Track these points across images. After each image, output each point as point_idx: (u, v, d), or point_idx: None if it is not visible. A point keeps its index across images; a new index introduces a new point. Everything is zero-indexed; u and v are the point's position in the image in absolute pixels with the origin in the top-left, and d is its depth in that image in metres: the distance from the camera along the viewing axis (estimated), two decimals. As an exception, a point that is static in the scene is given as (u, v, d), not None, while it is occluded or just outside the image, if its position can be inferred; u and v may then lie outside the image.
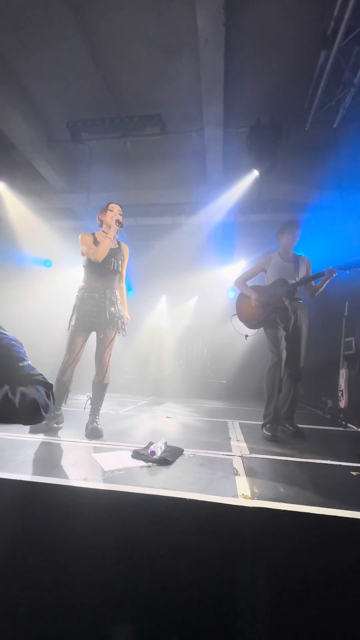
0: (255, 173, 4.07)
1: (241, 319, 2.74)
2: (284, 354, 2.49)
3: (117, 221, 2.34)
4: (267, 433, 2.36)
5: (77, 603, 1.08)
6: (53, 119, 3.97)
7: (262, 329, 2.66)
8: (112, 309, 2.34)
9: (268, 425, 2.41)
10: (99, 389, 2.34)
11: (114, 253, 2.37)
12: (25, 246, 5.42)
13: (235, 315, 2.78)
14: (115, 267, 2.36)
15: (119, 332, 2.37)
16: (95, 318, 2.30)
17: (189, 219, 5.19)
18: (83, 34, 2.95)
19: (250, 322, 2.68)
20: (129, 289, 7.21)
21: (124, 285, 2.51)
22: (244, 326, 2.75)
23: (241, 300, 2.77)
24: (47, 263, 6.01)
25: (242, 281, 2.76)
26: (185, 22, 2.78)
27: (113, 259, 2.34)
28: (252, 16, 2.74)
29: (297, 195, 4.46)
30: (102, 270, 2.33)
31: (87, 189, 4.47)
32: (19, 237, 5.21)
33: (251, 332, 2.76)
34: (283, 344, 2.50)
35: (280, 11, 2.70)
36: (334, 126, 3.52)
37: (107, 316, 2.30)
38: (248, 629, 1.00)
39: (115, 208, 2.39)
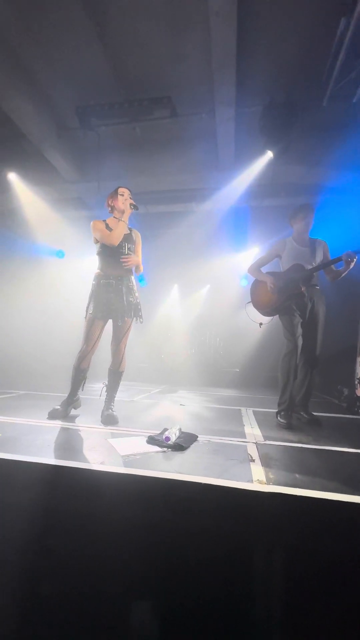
0: (269, 155, 3.92)
1: (256, 306, 2.70)
2: (299, 342, 2.45)
3: (131, 204, 2.31)
4: (282, 420, 2.34)
5: (96, 584, 1.12)
6: (61, 106, 3.92)
7: (277, 316, 2.61)
8: (130, 296, 2.33)
9: (283, 413, 2.39)
10: (115, 377, 2.37)
11: (127, 238, 2.35)
12: (38, 237, 5.47)
13: (249, 302, 2.74)
14: (130, 253, 2.34)
15: (137, 320, 2.37)
16: (112, 305, 2.30)
17: (200, 206, 5.09)
18: (90, 17, 2.86)
19: (265, 310, 2.63)
20: (140, 278, 7.24)
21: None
22: (259, 314, 2.71)
23: (256, 287, 2.71)
24: (59, 254, 6.06)
25: (256, 268, 2.70)
26: (194, -4, 2.65)
27: (126, 244, 2.33)
28: (265, -16, 2.58)
29: (312, 177, 4.28)
30: (117, 255, 2.31)
31: (97, 178, 4.43)
32: (31, 229, 5.26)
33: (266, 319, 2.72)
34: (299, 331, 2.45)
35: (296, -23, 2.53)
36: (353, 101, 3.32)
37: (125, 303, 2.30)
38: (262, 611, 1.02)
39: (125, 192, 2.36)
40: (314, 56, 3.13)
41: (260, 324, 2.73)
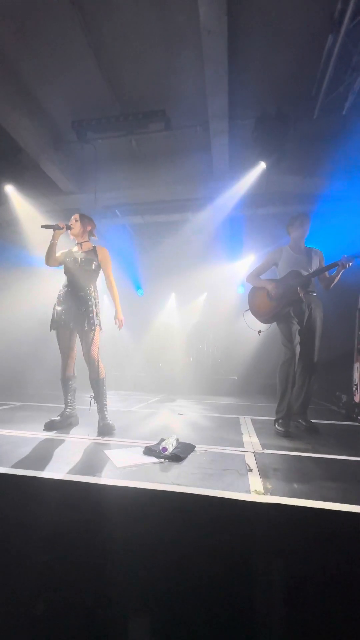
0: (263, 165, 4.00)
1: (254, 313, 2.70)
2: (297, 349, 2.45)
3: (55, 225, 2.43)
4: (280, 428, 2.33)
5: (89, 596, 1.09)
6: (58, 121, 4.00)
7: (274, 324, 2.62)
8: (82, 307, 2.40)
9: (281, 421, 2.37)
10: (97, 385, 2.37)
11: (82, 255, 2.50)
12: (35, 248, 5.50)
13: (247, 310, 2.74)
14: (83, 265, 2.47)
15: (89, 328, 2.36)
16: (66, 316, 2.39)
17: (196, 215, 5.15)
18: (85, 33, 2.94)
19: (264, 317, 2.63)
20: (137, 287, 7.27)
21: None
22: (257, 321, 2.70)
23: (254, 294, 2.72)
24: (56, 264, 6.09)
25: (254, 276, 2.71)
26: (186, 15, 2.74)
27: (79, 258, 2.49)
28: (255, 3, 2.68)
29: (306, 186, 4.35)
30: (67, 271, 2.51)
31: (94, 190, 4.49)
32: (28, 239, 5.29)
33: (264, 327, 2.72)
34: (297, 338, 2.46)
35: (285, -4, 2.62)
36: (343, 113, 3.41)
37: (78, 314, 2.38)
38: (262, 625, 0.99)
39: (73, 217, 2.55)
40: (304, 70, 3.23)
41: (259, 331, 2.73)
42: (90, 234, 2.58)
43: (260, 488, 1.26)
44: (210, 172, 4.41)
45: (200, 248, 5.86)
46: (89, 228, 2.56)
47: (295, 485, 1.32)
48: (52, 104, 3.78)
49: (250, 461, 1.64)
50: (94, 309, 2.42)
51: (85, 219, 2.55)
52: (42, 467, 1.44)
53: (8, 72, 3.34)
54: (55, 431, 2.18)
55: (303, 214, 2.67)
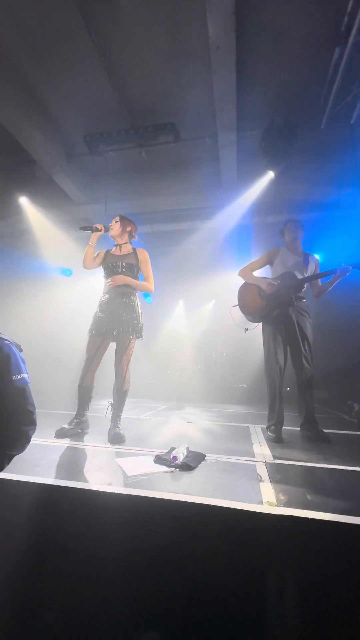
0: (271, 175, 4.04)
1: (243, 310, 2.62)
2: (280, 356, 2.42)
3: (93, 227, 2.43)
4: (271, 435, 2.33)
5: (100, 608, 1.09)
6: (71, 134, 4.13)
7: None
8: (126, 314, 2.34)
9: (272, 427, 2.37)
10: (119, 395, 2.37)
11: (124, 258, 2.45)
12: (47, 256, 5.63)
13: (236, 306, 2.66)
14: (124, 271, 2.41)
15: (134, 337, 2.36)
16: (107, 323, 2.33)
17: (204, 224, 5.21)
18: (97, 49, 3.06)
19: (253, 315, 2.57)
20: (146, 295, 7.32)
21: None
22: (244, 319, 2.64)
23: (245, 290, 2.64)
24: (67, 272, 6.21)
25: (248, 271, 2.64)
26: (196, 31, 2.82)
27: (121, 262, 2.43)
28: (262, 19, 2.75)
29: (314, 194, 4.37)
30: (112, 275, 2.42)
31: (105, 200, 4.59)
32: (41, 248, 5.42)
33: (251, 325, 2.65)
34: (280, 344, 2.43)
35: (291, 11, 2.68)
36: (351, 122, 3.44)
37: (121, 321, 2.33)
38: (272, 638, 0.97)
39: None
40: (312, 81, 3.28)
41: (246, 329, 2.66)
42: (131, 235, 2.51)
43: (273, 499, 1.25)
44: (219, 182, 4.47)
45: (208, 256, 5.90)
46: (128, 229, 2.48)
47: (309, 497, 1.30)
48: (65, 117, 3.92)
49: (262, 471, 1.62)
50: (139, 318, 2.39)
51: (125, 220, 2.49)
52: (52, 475, 1.45)
53: (22, 87, 3.48)
54: (67, 438, 2.20)
55: (291, 219, 2.68)
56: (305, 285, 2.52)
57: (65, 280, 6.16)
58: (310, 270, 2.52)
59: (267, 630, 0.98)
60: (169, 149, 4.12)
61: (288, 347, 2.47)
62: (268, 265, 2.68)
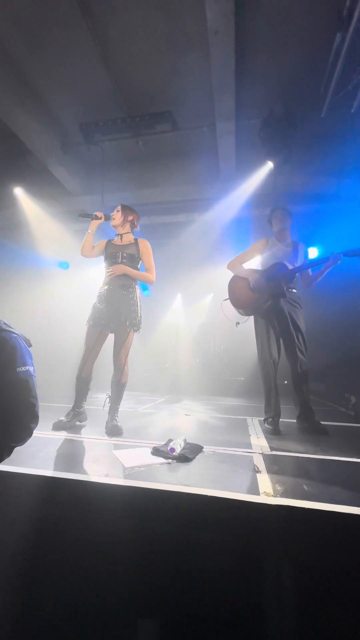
0: (270, 165, 3.98)
1: (234, 304, 2.59)
2: (273, 349, 2.41)
3: (94, 215, 2.41)
4: (268, 427, 2.33)
5: (98, 599, 1.10)
6: (66, 123, 4.04)
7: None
8: (124, 305, 2.31)
9: (270, 420, 2.37)
10: (117, 388, 2.36)
11: (125, 248, 2.41)
12: (43, 249, 5.56)
13: (227, 299, 2.62)
14: (125, 262, 2.36)
15: (132, 329, 2.33)
16: (105, 314, 2.30)
17: (202, 216, 5.16)
18: (93, 36, 2.97)
19: (244, 309, 2.53)
20: (144, 287, 7.29)
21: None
22: (235, 312, 2.62)
23: (235, 283, 2.60)
24: (64, 265, 6.15)
25: (237, 263, 2.59)
26: (193, 16, 2.75)
27: (121, 253, 2.39)
28: (262, 3, 2.67)
29: (314, 186, 4.32)
30: (111, 265, 2.38)
31: (102, 191, 4.52)
32: (37, 241, 5.35)
33: (242, 319, 2.62)
34: (272, 337, 2.42)
35: (292, -5, 2.61)
36: (352, 111, 3.38)
37: (119, 313, 2.30)
38: (270, 627, 0.98)
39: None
40: (312, 69, 3.21)
41: (237, 323, 2.62)
42: (133, 225, 2.46)
43: (270, 490, 1.25)
44: (217, 172, 4.41)
45: (206, 249, 5.86)
46: (130, 218, 2.44)
47: (305, 487, 1.31)
48: (60, 106, 3.83)
49: (259, 462, 1.63)
50: (138, 310, 2.36)
51: (127, 209, 2.44)
52: (49, 467, 1.45)
53: (18, 76, 3.39)
54: (64, 431, 2.20)
55: (275, 207, 2.64)
56: (296, 275, 2.49)
57: (62, 274, 6.10)
58: (300, 259, 2.48)
59: (265, 619, 0.99)
60: (166, 139, 4.05)
61: (281, 340, 2.45)
62: (258, 256, 2.63)
